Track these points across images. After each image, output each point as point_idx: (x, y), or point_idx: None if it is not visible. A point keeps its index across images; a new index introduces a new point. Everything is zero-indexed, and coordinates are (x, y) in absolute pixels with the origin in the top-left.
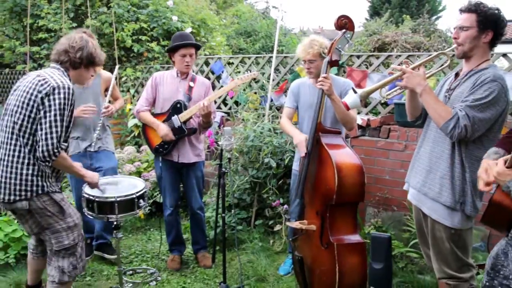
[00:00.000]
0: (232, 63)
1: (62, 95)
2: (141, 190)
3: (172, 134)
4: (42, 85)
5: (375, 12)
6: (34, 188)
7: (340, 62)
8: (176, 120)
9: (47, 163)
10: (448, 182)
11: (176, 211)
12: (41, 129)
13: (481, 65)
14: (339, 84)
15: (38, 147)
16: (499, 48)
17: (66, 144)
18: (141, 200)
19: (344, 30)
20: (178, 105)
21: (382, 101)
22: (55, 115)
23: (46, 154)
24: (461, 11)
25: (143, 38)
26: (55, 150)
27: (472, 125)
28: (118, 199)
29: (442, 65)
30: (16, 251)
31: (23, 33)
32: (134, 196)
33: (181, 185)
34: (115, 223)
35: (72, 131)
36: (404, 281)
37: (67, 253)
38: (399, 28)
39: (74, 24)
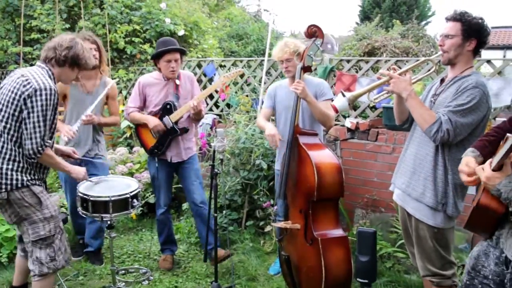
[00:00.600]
0: (225, 65)
1: (44, 97)
2: (135, 189)
3: (164, 132)
4: (25, 86)
5: (365, 17)
6: (14, 182)
7: (330, 66)
8: (168, 120)
9: (33, 160)
10: (431, 184)
11: (168, 211)
12: (26, 129)
13: (465, 72)
14: (313, 85)
15: (25, 145)
16: (488, 54)
17: (50, 141)
18: (134, 200)
19: (314, 38)
20: (168, 106)
21: (371, 105)
22: (37, 116)
23: (31, 152)
24: (447, 19)
25: (136, 40)
26: (39, 148)
27: (454, 129)
28: (112, 198)
29: (429, 70)
30: (9, 250)
31: (15, 33)
32: (128, 195)
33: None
34: (108, 222)
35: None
36: (391, 280)
37: (44, 243)
38: (389, 33)
39: (67, 25)
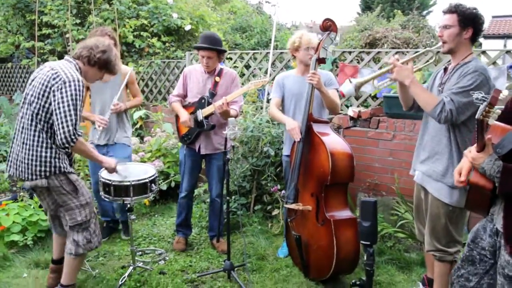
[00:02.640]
0: (231, 58)
1: (73, 87)
2: (153, 175)
3: (193, 123)
4: (54, 78)
5: (366, 7)
6: (53, 169)
7: (333, 58)
8: (200, 114)
9: (66, 149)
10: (450, 164)
11: (189, 196)
12: (57, 119)
13: (466, 59)
14: (322, 75)
15: (57, 136)
16: (489, 43)
17: (82, 131)
18: (153, 184)
19: (328, 32)
20: (203, 101)
21: (373, 94)
22: (68, 105)
23: (64, 141)
24: (444, 12)
25: (144, 34)
26: (73, 137)
27: (457, 108)
28: (133, 183)
29: (428, 61)
30: (33, 233)
31: (26, 29)
32: (147, 180)
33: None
34: (128, 205)
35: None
36: (392, 258)
37: (81, 228)
38: (390, 23)
39: (78, 21)
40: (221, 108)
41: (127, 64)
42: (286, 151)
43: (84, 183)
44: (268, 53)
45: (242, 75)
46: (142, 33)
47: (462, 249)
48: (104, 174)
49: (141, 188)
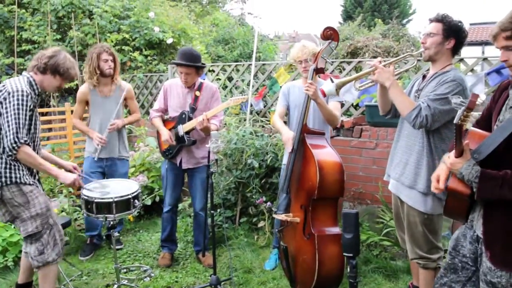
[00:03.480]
0: (213, 70)
1: (15, 98)
2: (136, 190)
3: (174, 140)
4: (1, 91)
5: (348, 16)
6: (3, 179)
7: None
8: (180, 129)
9: (11, 156)
10: (421, 171)
11: (173, 210)
12: (3, 129)
13: (445, 68)
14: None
15: (3, 143)
16: (467, 50)
17: (25, 139)
18: (136, 200)
19: (329, 41)
20: (183, 116)
21: (355, 103)
22: (11, 115)
23: (7, 149)
24: (430, 20)
25: (126, 48)
26: (14, 145)
27: (433, 115)
28: (115, 199)
29: (408, 69)
30: (14, 254)
31: (5, 45)
32: (130, 196)
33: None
34: (111, 222)
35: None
36: (378, 266)
37: (33, 239)
38: (371, 32)
39: (58, 36)
40: (201, 124)
41: None
42: (285, 159)
43: (43, 192)
44: (250, 65)
45: (224, 87)
46: (123, 47)
47: (445, 254)
48: (85, 192)
49: (124, 204)
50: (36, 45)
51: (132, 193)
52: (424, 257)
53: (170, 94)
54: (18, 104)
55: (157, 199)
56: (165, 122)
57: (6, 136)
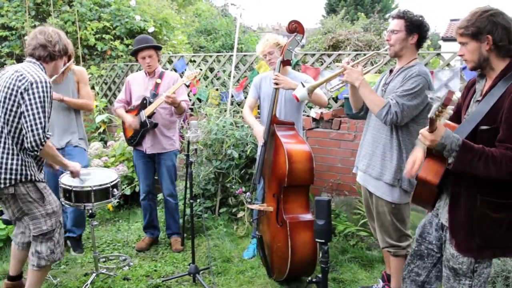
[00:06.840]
0: (195, 61)
1: (40, 89)
2: (115, 179)
3: (139, 125)
4: (20, 80)
5: (331, 10)
6: (19, 177)
7: (296, 60)
8: (142, 114)
9: (35, 153)
10: (388, 163)
11: (149, 197)
12: (26, 122)
13: (410, 63)
14: (300, 79)
15: (26, 138)
16: (448, 45)
17: (50, 133)
18: (115, 189)
19: (295, 33)
20: (145, 101)
21: (333, 96)
22: (37, 107)
23: (34, 144)
24: (392, 17)
25: (106, 36)
26: (42, 140)
27: (402, 111)
28: (94, 188)
29: (379, 64)
30: None
31: None
32: (109, 185)
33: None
34: (90, 211)
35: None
36: (355, 256)
37: (45, 238)
38: (353, 26)
39: (37, 23)
40: (168, 98)
41: (88, 68)
42: (259, 151)
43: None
44: (231, 55)
45: (206, 77)
46: (104, 35)
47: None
48: (64, 180)
49: (103, 193)
50: (13, 32)
51: (111, 182)
52: (394, 245)
53: (132, 85)
54: (43, 96)
55: (137, 189)
56: (128, 112)
57: (32, 131)
